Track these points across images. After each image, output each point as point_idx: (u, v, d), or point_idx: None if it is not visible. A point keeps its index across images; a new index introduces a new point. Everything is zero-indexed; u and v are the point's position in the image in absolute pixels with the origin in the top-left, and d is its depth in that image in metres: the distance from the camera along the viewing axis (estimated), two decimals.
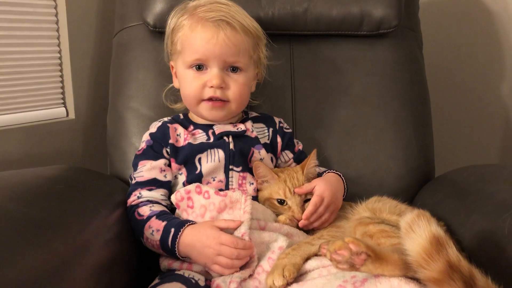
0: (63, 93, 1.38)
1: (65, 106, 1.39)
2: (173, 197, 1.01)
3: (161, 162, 1.06)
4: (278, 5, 1.24)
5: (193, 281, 0.88)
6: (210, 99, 1.06)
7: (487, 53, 1.71)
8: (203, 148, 1.06)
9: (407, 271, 0.73)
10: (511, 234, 0.82)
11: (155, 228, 0.95)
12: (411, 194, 1.23)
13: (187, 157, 1.06)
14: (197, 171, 1.05)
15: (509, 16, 1.66)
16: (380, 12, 1.27)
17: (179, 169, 1.06)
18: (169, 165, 1.07)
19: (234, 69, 1.07)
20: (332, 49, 1.32)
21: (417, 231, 0.70)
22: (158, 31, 1.26)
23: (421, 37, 1.41)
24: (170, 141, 1.07)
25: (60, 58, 1.36)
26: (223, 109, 1.08)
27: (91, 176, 1.09)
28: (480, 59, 1.72)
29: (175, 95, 1.19)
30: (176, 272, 0.92)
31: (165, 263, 0.97)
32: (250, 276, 0.89)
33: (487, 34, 1.69)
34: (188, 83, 1.07)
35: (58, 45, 1.35)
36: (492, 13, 1.67)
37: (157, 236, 0.94)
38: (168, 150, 1.07)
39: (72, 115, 1.39)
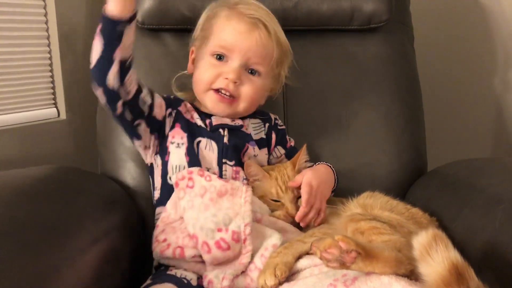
0: (54, 93, 1.37)
1: (56, 107, 1.38)
2: (173, 176, 1.01)
3: (164, 104, 1.07)
4: (267, 0, 1.23)
5: (185, 281, 0.88)
6: (219, 90, 1.05)
7: (479, 47, 1.71)
8: (202, 133, 1.07)
9: (398, 269, 0.73)
10: (502, 229, 0.82)
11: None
12: (404, 189, 1.24)
13: (191, 130, 1.06)
14: (196, 153, 1.05)
15: (501, 9, 1.66)
16: (370, 6, 1.26)
17: (182, 137, 1.05)
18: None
19: (253, 72, 1.07)
20: (323, 44, 1.32)
21: (435, 257, 0.67)
22: (147, 28, 1.25)
23: (412, 31, 1.41)
24: (180, 108, 1.09)
25: (50, 58, 1.35)
26: (230, 107, 1.07)
27: (81, 176, 1.09)
28: (472, 53, 1.72)
29: (184, 82, 1.18)
30: (168, 272, 0.92)
31: (157, 250, 0.95)
32: (242, 272, 0.89)
33: (479, 28, 1.69)
34: (205, 68, 1.07)
35: (48, 45, 1.33)
36: (483, 6, 1.67)
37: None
38: (174, 113, 1.07)
39: (63, 116, 1.38)
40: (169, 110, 1.08)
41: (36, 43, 1.31)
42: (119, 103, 0.95)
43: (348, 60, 1.31)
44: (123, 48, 0.89)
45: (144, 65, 1.25)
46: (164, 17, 1.22)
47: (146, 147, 1.07)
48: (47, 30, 1.32)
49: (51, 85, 1.36)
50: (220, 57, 1.06)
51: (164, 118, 1.07)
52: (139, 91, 0.98)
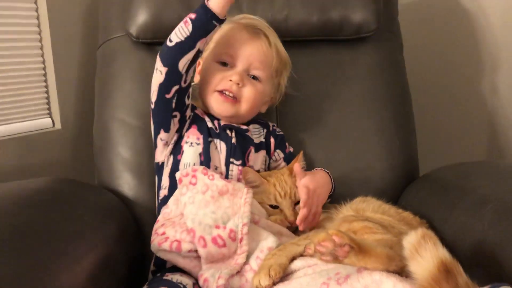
0: (48, 103, 1.38)
1: (51, 117, 1.39)
2: (178, 173, 1.03)
3: (190, 106, 1.11)
4: (259, 13, 1.25)
5: (181, 286, 0.89)
6: (224, 92, 1.10)
7: (466, 52, 1.74)
8: (212, 134, 1.11)
9: (389, 265, 0.74)
10: (490, 228, 0.84)
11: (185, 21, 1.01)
12: (397, 193, 1.25)
13: (207, 131, 1.10)
14: (209, 153, 1.08)
15: (484, 15, 1.69)
16: (359, 17, 1.29)
17: (198, 138, 1.10)
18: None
19: (254, 77, 1.13)
20: (313, 54, 1.34)
21: (424, 255, 0.68)
22: (141, 42, 1.27)
23: (401, 39, 1.44)
24: (196, 111, 1.14)
25: (44, 68, 1.36)
26: (233, 106, 1.11)
27: (78, 187, 1.10)
28: (460, 58, 1.75)
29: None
30: (164, 277, 0.92)
31: (155, 242, 0.96)
32: (238, 273, 0.90)
33: (466, 34, 1.72)
34: (211, 72, 1.12)
35: (42, 56, 1.35)
36: (468, 13, 1.70)
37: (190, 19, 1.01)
38: (192, 116, 1.12)
39: (58, 125, 1.40)
40: (191, 112, 1.13)
41: (29, 53, 1.33)
42: (175, 88, 1.03)
43: (339, 68, 1.33)
44: (205, 41, 1.03)
45: (139, 77, 1.27)
46: (158, 31, 1.24)
47: (166, 143, 1.10)
48: (40, 41, 1.34)
49: (46, 95, 1.38)
50: (224, 64, 1.12)
51: (187, 118, 1.11)
52: (190, 85, 1.07)
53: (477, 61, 1.74)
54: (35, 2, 1.32)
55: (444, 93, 1.78)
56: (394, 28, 1.42)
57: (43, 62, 1.36)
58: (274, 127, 1.24)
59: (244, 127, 1.15)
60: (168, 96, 1.03)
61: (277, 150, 1.21)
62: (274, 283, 0.83)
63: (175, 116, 1.07)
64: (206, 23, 1.00)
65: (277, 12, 1.28)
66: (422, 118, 1.48)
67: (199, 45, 1.01)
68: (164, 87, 1.03)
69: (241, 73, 1.11)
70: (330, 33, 1.32)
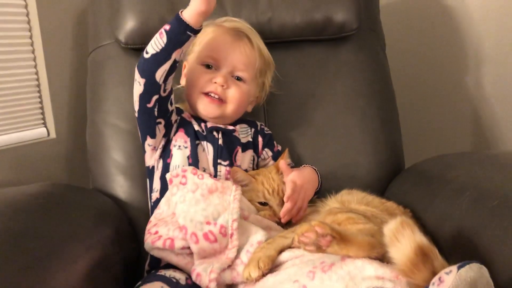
0: (42, 113, 1.41)
1: (45, 126, 1.41)
2: (168, 174, 1.06)
3: (175, 110, 1.14)
4: (243, 16, 1.29)
5: (174, 280, 0.92)
6: (209, 94, 1.13)
7: (449, 47, 1.77)
8: (199, 136, 1.14)
9: (371, 252, 0.78)
10: (467, 214, 0.88)
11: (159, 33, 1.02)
12: (382, 186, 1.28)
13: (193, 134, 1.13)
14: (197, 155, 1.11)
15: (468, 11, 1.73)
16: (340, 17, 1.33)
17: (185, 141, 1.12)
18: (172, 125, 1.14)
19: (239, 78, 1.16)
20: (298, 54, 1.38)
21: (402, 240, 0.72)
22: (130, 48, 1.30)
23: (383, 37, 1.47)
24: (183, 115, 1.16)
25: (37, 79, 1.38)
26: (219, 108, 1.15)
27: (73, 191, 1.13)
28: (444, 54, 1.78)
29: (177, 94, 1.22)
30: (158, 273, 0.95)
31: (148, 241, 0.99)
32: (229, 266, 0.93)
33: (449, 30, 1.76)
34: (196, 76, 1.15)
35: (35, 67, 1.37)
36: (450, 10, 1.74)
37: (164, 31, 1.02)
38: (178, 119, 1.15)
39: (53, 135, 1.42)
40: (177, 116, 1.16)
41: (22, 65, 1.35)
42: (155, 97, 1.05)
43: (323, 67, 1.37)
44: (181, 51, 1.03)
45: (129, 83, 1.24)
46: (146, 37, 1.24)
47: (154, 148, 1.13)
48: (33, 52, 1.37)
49: (40, 105, 1.40)
50: (209, 66, 1.15)
51: (174, 123, 1.14)
52: (171, 92, 1.09)
53: (461, 56, 1.77)
54: (27, 15, 1.34)
55: (429, 87, 1.81)
56: (376, 26, 1.46)
57: (36, 73, 1.38)
58: (262, 126, 1.27)
59: (231, 127, 1.18)
60: (149, 105, 1.06)
61: (266, 149, 1.24)
62: (264, 274, 0.87)
63: (159, 122, 1.10)
64: (181, 34, 1.01)
65: (261, 14, 1.32)
66: (408, 112, 1.50)
67: (175, 55, 1.02)
68: (144, 97, 1.05)
69: (225, 75, 1.14)
70: (313, 33, 1.35)
